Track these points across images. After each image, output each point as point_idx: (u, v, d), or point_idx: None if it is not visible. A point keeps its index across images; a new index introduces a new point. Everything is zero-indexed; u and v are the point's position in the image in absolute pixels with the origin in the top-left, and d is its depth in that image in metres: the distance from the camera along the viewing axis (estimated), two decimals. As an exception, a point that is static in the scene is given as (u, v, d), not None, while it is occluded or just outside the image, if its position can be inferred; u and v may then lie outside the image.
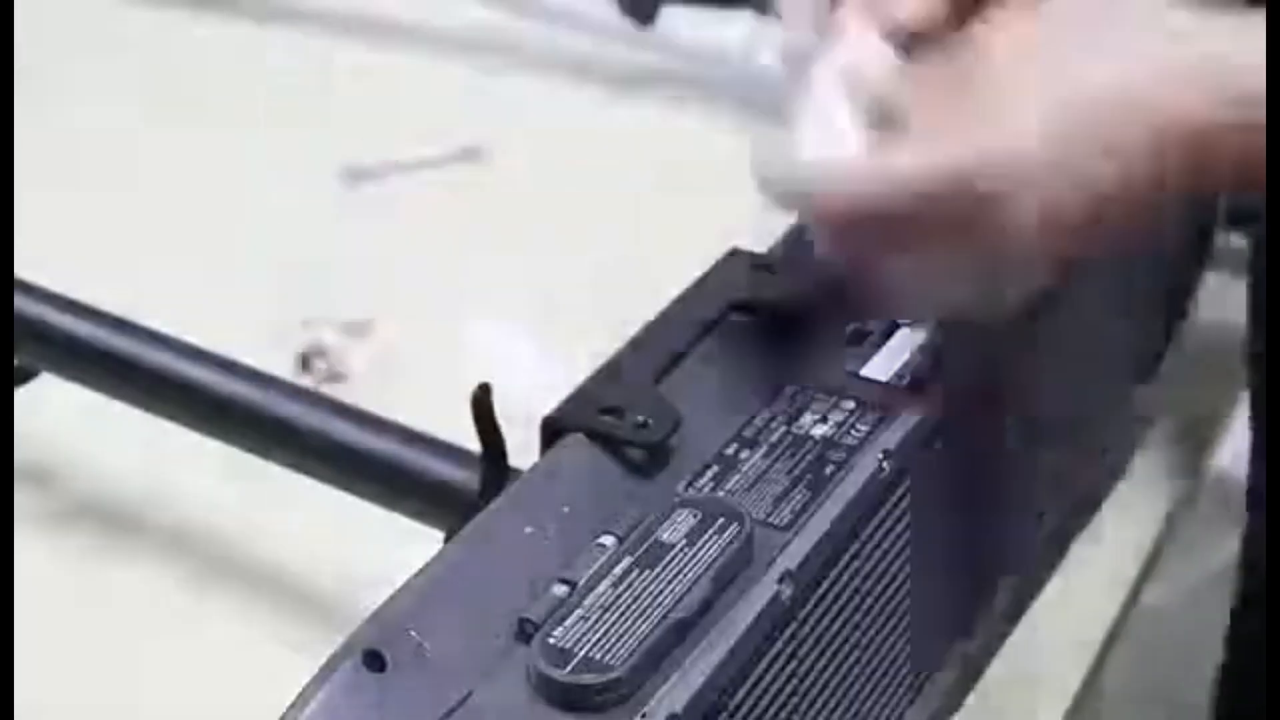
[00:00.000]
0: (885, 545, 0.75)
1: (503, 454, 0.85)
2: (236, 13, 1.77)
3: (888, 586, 0.76)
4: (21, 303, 1.11)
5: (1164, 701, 1.16)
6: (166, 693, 1.07)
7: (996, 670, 0.93)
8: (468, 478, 0.94)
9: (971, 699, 0.91)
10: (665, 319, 0.82)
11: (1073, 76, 0.69)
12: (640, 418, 0.75)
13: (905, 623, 0.79)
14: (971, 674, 0.90)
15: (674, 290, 0.84)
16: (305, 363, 1.33)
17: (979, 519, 0.85)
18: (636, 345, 0.81)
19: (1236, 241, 1.12)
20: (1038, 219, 0.68)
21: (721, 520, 0.70)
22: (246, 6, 1.78)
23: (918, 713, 0.82)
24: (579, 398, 0.77)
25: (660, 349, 0.80)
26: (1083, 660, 1.14)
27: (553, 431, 0.76)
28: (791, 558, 0.70)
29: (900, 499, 0.76)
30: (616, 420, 0.75)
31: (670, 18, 1.64)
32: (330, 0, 1.79)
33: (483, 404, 0.82)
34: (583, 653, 0.65)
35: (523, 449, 0.81)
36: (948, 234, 0.69)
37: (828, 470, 0.74)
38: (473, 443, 0.88)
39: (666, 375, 0.79)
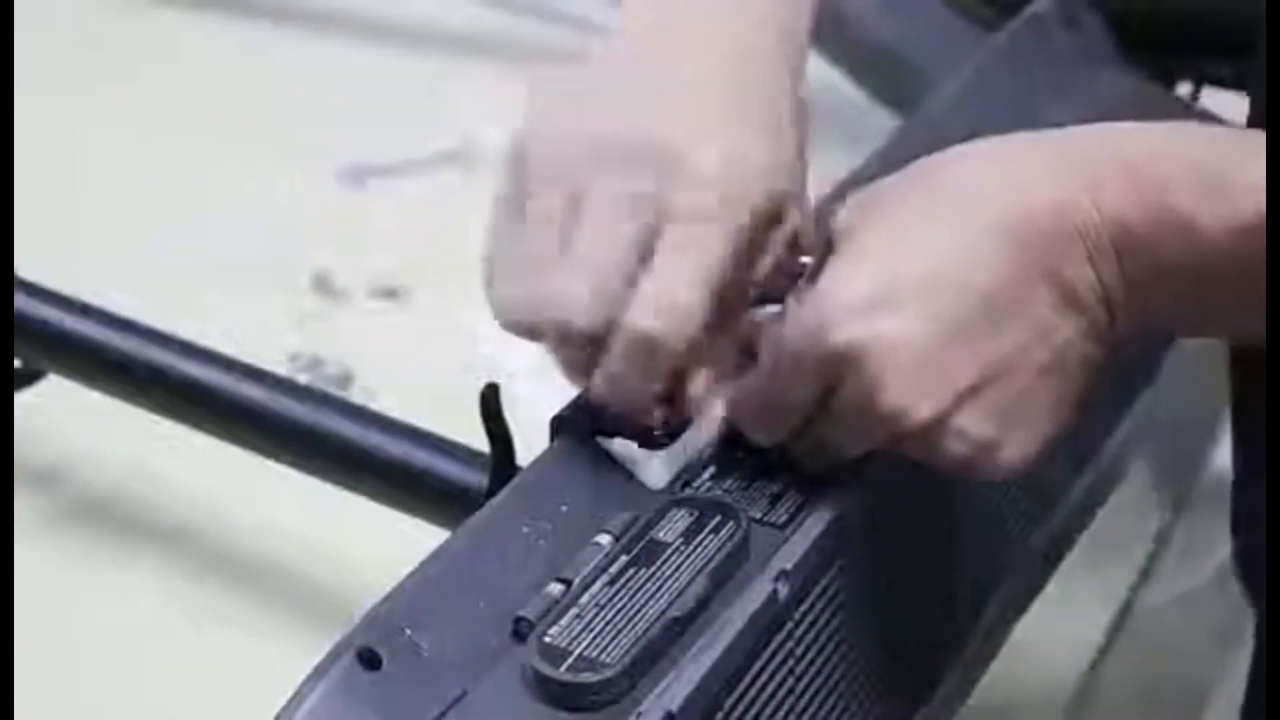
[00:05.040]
0: (883, 544, 0.75)
1: (510, 453, 0.84)
2: (236, 13, 1.77)
3: (885, 585, 0.76)
4: (24, 302, 1.11)
5: (1162, 701, 1.16)
6: (165, 691, 1.07)
7: (996, 670, 0.93)
8: (475, 478, 0.94)
9: (972, 699, 0.91)
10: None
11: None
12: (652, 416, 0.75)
13: (903, 621, 0.79)
14: (972, 672, 0.90)
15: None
16: (305, 362, 1.33)
17: (974, 525, 0.85)
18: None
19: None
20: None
21: (718, 519, 0.70)
22: (246, 7, 1.78)
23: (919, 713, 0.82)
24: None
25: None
26: (1082, 660, 1.14)
27: (561, 430, 0.76)
28: (788, 557, 0.70)
29: (899, 498, 0.76)
30: (627, 420, 0.75)
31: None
32: (330, 0, 1.79)
33: (490, 403, 0.82)
34: (578, 651, 0.64)
35: (525, 450, 0.81)
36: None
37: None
38: (476, 442, 0.88)
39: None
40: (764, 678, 0.68)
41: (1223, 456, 1.28)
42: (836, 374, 0.69)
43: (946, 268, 0.68)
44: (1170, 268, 0.68)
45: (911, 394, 0.68)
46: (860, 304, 0.68)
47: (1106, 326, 0.69)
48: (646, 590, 0.67)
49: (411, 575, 0.68)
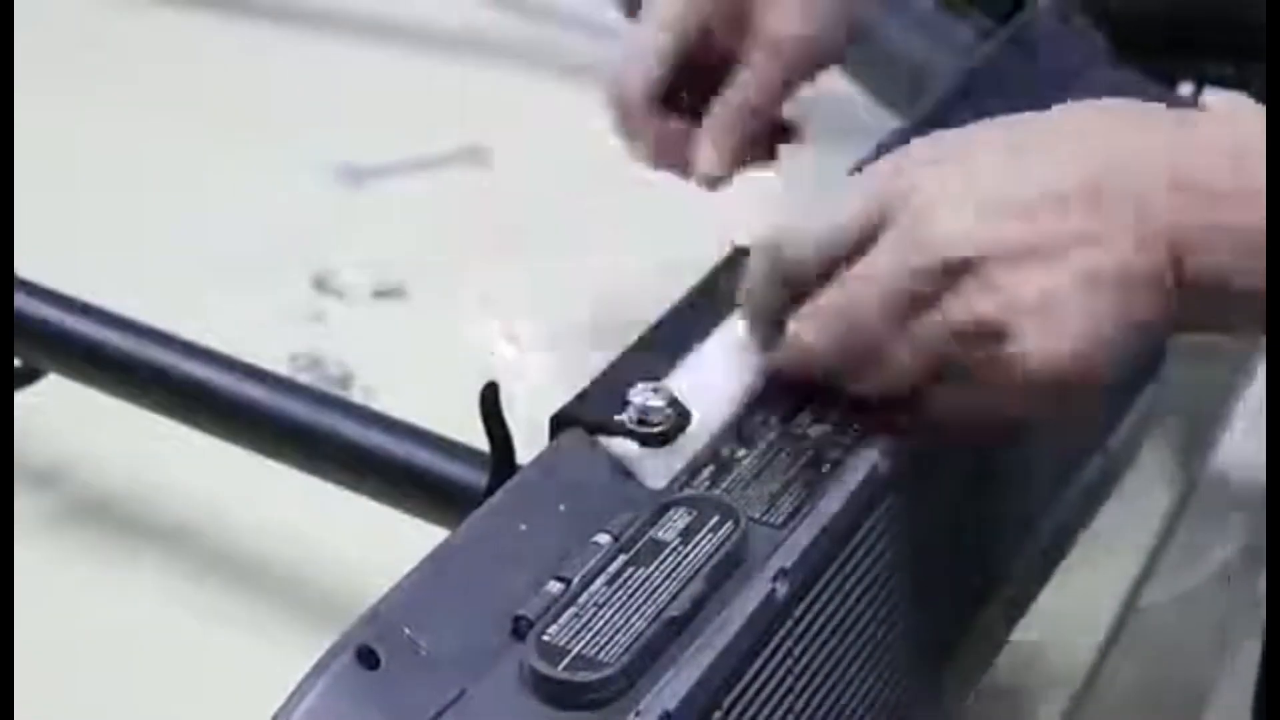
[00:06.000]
0: (880, 543, 0.75)
1: (510, 452, 0.85)
2: (236, 13, 1.77)
3: (883, 585, 0.76)
4: (24, 302, 1.11)
5: (1163, 700, 1.16)
6: (165, 691, 1.07)
7: (997, 669, 0.93)
8: (475, 478, 0.94)
9: (971, 699, 0.91)
10: (671, 317, 0.83)
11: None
12: (651, 415, 0.75)
13: (901, 621, 0.79)
14: (970, 674, 0.90)
15: (676, 289, 0.84)
16: (305, 362, 1.33)
17: (972, 524, 0.85)
18: (643, 344, 0.81)
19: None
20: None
21: (716, 518, 0.70)
22: (246, 7, 1.78)
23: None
24: (587, 395, 0.77)
25: (667, 347, 0.80)
26: (1083, 660, 1.13)
27: (560, 429, 0.76)
28: (786, 556, 0.70)
29: (896, 497, 0.76)
30: (627, 418, 0.75)
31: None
32: (330, 0, 1.79)
33: (490, 402, 0.82)
34: (577, 650, 0.65)
35: (525, 450, 0.81)
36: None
37: (823, 469, 0.74)
38: (476, 442, 0.88)
39: (673, 373, 0.79)
40: (762, 677, 0.69)
41: (1225, 454, 1.28)
42: (891, 209, 0.70)
43: (1026, 165, 0.70)
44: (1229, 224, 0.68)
45: (961, 225, 0.68)
46: (931, 156, 0.71)
47: (1166, 281, 0.69)
48: (645, 589, 0.67)
49: (411, 574, 0.68)
